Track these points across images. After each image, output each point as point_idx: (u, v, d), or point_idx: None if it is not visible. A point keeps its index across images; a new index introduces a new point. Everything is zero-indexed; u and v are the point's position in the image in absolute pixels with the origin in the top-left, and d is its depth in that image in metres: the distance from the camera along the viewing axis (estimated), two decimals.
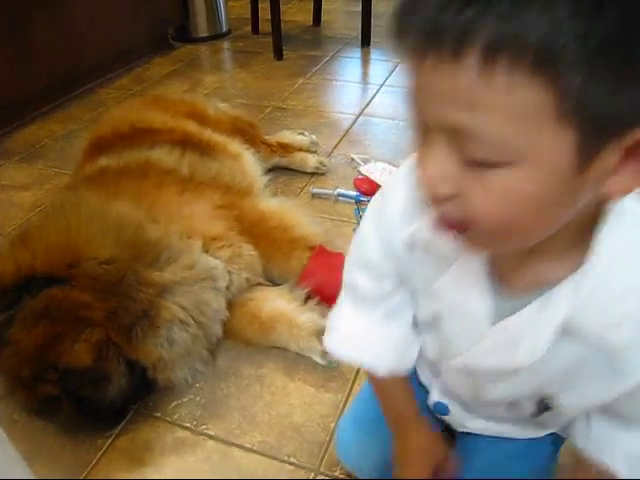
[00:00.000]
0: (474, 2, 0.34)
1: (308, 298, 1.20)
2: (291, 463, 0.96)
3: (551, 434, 0.74)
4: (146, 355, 1.01)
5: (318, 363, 1.12)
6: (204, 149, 1.39)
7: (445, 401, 0.74)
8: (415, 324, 0.69)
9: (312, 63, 2.75)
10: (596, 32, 0.33)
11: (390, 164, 1.80)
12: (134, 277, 1.01)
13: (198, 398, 1.09)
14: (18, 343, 0.97)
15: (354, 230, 1.53)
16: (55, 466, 0.98)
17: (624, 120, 0.37)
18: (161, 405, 1.08)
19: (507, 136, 0.37)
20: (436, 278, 0.57)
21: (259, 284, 1.24)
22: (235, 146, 1.51)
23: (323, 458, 0.97)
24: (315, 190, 1.67)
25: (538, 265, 0.50)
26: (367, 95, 2.39)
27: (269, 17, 2.68)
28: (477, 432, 0.76)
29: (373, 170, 1.75)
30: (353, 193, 1.64)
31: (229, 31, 3.25)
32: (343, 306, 0.71)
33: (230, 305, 1.16)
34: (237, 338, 1.18)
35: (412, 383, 0.75)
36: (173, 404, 1.08)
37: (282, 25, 2.71)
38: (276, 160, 1.76)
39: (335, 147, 1.96)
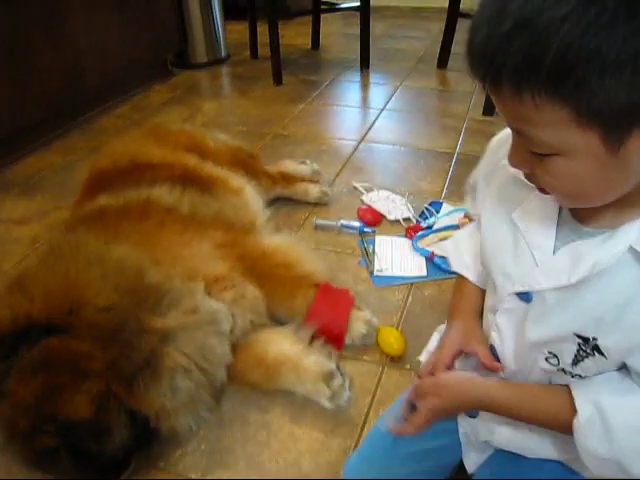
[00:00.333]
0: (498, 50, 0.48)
1: (314, 338, 1.17)
2: None
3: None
4: (148, 405, 0.97)
5: (326, 407, 1.09)
6: (205, 185, 1.37)
7: None
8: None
9: (312, 88, 2.75)
10: (605, 51, 0.43)
11: (393, 192, 1.78)
12: (135, 324, 0.98)
13: (203, 446, 1.06)
14: (16, 395, 0.93)
15: (359, 262, 1.50)
16: None
17: None
18: (165, 455, 1.05)
19: (547, 139, 0.51)
20: (518, 204, 0.68)
21: (263, 325, 1.20)
22: (236, 180, 1.48)
23: None
24: (318, 222, 1.65)
25: (613, 212, 0.58)
26: (368, 120, 2.38)
27: (268, 41, 2.68)
28: (502, 446, 0.77)
29: (376, 199, 1.73)
30: (356, 224, 1.62)
31: (228, 56, 3.26)
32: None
33: (234, 348, 1.13)
34: (242, 382, 1.14)
35: None
36: (177, 453, 1.05)
37: (281, 49, 2.71)
38: (278, 191, 1.74)
39: (337, 175, 1.94)
